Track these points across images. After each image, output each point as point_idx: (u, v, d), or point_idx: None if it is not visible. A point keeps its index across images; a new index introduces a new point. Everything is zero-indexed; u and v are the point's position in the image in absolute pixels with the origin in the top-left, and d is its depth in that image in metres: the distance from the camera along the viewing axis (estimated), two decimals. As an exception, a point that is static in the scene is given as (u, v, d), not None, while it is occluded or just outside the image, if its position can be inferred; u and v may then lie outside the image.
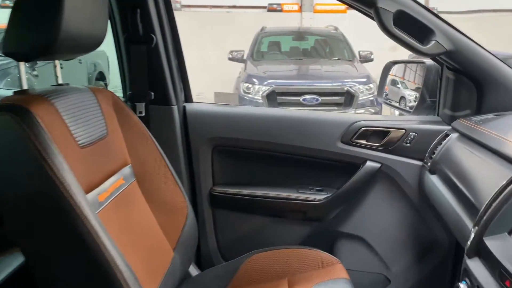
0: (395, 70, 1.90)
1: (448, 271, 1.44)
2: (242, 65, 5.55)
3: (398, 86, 2.10)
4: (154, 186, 1.12)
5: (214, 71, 6.48)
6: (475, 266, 0.76)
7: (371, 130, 1.42)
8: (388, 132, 1.41)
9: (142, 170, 1.11)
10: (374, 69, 5.01)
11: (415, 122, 1.43)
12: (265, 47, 5.94)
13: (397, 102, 1.97)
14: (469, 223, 0.92)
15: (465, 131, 1.20)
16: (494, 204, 0.78)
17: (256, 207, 1.53)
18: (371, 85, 4.79)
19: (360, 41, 5.98)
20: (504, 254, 0.70)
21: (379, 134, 1.42)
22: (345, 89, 4.64)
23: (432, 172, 1.28)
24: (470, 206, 0.95)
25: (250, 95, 4.69)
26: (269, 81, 4.74)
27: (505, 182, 0.79)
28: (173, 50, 1.48)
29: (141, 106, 1.42)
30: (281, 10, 9.84)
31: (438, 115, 1.45)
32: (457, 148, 1.20)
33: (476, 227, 0.80)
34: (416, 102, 1.76)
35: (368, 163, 1.42)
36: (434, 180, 1.24)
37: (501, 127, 1.14)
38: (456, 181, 1.08)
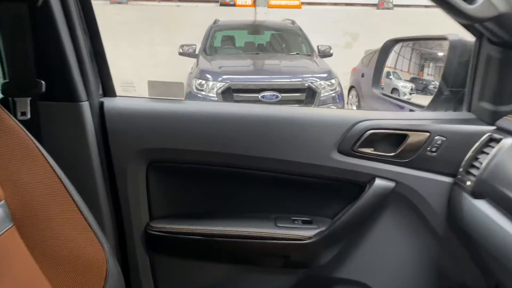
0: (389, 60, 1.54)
1: None
2: (194, 60, 5.33)
3: (390, 77, 1.74)
4: (48, 233, 0.75)
5: (166, 68, 6.20)
6: None
7: (381, 134, 1.03)
8: (405, 136, 1.02)
9: (25, 209, 0.74)
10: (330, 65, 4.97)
11: (440, 121, 1.04)
12: (218, 42, 5.81)
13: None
14: None
15: None
16: None
17: (215, 251, 1.13)
18: (333, 81, 4.73)
19: (315, 38, 5.93)
20: None
21: (392, 140, 1.05)
22: (306, 85, 4.49)
23: (478, 195, 0.91)
24: None
25: (203, 93, 4.46)
26: (224, 76, 4.50)
27: None
28: (78, 14, 0.97)
29: (24, 104, 0.94)
30: (234, 5, 9.83)
31: (469, 111, 1.06)
32: None
33: None
34: (412, 94, 1.40)
35: (378, 182, 1.05)
36: (483, 208, 0.90)
37: None
38: None
